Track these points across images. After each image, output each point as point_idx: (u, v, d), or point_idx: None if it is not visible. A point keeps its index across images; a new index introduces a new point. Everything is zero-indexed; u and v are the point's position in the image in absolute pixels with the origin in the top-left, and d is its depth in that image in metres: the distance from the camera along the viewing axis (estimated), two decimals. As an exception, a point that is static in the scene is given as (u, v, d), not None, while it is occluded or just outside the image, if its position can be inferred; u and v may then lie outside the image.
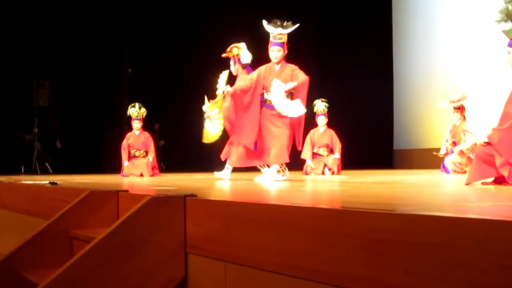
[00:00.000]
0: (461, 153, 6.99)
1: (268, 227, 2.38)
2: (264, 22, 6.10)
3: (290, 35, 6.18)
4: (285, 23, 6.10)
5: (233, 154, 6.48)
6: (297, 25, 6.06)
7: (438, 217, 1.79)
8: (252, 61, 6.97)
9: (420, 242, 1.77)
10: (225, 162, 6.74)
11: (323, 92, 10.42)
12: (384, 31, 13.73)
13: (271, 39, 6.13)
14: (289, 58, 6.33)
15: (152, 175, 8.91)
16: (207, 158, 10.74)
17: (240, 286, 2.58)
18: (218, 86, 6.72)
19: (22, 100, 12.04)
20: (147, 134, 9.41)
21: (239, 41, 7.11)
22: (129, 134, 9.39)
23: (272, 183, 5.32)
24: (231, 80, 6.88)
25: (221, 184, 5.42)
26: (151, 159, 9.15)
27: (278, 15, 6.29)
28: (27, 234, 3.58)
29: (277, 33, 6.08)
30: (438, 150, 8.46)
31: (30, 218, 4.95)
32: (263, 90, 6.16)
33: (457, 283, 1.66)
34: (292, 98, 6.00)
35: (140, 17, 13.40)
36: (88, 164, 12.32)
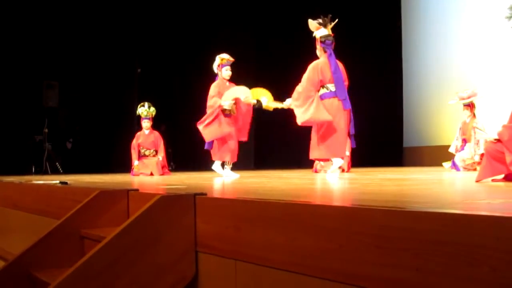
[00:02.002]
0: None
1: (278, 225, 2.38)
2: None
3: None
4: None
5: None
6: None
7: (448, 214, 1.79)
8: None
9: (430, 240, 1.77)
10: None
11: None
12: (394, 28, 13.69)
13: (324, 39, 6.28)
14: (300, 54, 6.40)
15: (162, 174, 8.92)
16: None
17: (250, 284, 2.59)
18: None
19: (32, 101, 12.10)
20: (156, 133, 9.43)
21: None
22: (138, 133, 9.41)
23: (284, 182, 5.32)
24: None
25: (230, 182, 5.42)
26: (161, 158, 9.18)
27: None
28: (38, 234, 3.60)
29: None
30: (447, 147, 8.43)
31: (41, 218, 4.97)
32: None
33: (468, 281, 1.66)
34: None
35: (149, 17, 13.42)
36: (98, 163, 12.36)
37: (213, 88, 7.36)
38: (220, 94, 7.30)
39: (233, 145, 7.25)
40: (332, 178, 5.73)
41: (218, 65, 7.46)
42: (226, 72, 7.43)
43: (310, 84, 6.23)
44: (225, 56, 7.46)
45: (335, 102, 6.13)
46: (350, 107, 6.23)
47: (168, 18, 13.60)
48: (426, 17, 12.95)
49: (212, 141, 7.31)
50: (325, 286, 2.14)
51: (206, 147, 7.36)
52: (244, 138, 7.51)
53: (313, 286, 2.20)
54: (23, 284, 3.39)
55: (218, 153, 7.32)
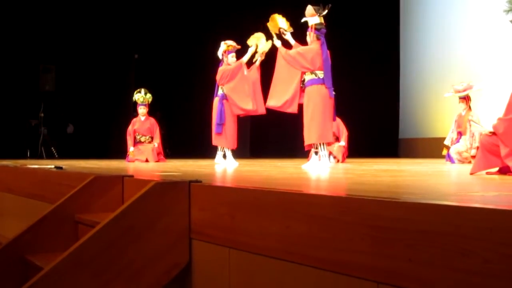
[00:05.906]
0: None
1: (273, 214, 2.39)
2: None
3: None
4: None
5: None
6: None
7: (442, 206, 1.79)
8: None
9: (424, 231, 1.78)
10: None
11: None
12: (391, 19, 13.65)
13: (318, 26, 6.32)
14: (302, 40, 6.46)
15: (158, 161, 8.92)
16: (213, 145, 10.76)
17: (244, 272, 2.60)
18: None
19: (28, 85, 12.06)
20: (152, 120, 9.42)
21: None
22: (134, 119, 9.40)
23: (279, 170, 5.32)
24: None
25: (225, 170, 5.43)
26: (156, 145, 9.18)
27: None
28: (32, 218, 3.60)
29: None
30: (443, 139, 8.45)
31: (35, 202, 4.97)
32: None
33: (460, 272, 1.67)
34: None
35: (147, 2, 13.35)
36: (93, 149, 12.34)
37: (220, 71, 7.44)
38: None
39: (228, 131, 7.30)
40: (308, 167, 5.83)
41: (224, 51, 7.46)
42: (232, 59, 7.44)
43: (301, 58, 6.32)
44: (231, 43, 7.46)
45: (322, 90, 6.20)
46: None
47: (166, 3, 13.54)
48: (425, 9, 12.93)
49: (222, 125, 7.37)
50: (318, 275, 2.15)
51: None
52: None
53: (306, 275, 2.21)
54: (17, 268, 3.39)
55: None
